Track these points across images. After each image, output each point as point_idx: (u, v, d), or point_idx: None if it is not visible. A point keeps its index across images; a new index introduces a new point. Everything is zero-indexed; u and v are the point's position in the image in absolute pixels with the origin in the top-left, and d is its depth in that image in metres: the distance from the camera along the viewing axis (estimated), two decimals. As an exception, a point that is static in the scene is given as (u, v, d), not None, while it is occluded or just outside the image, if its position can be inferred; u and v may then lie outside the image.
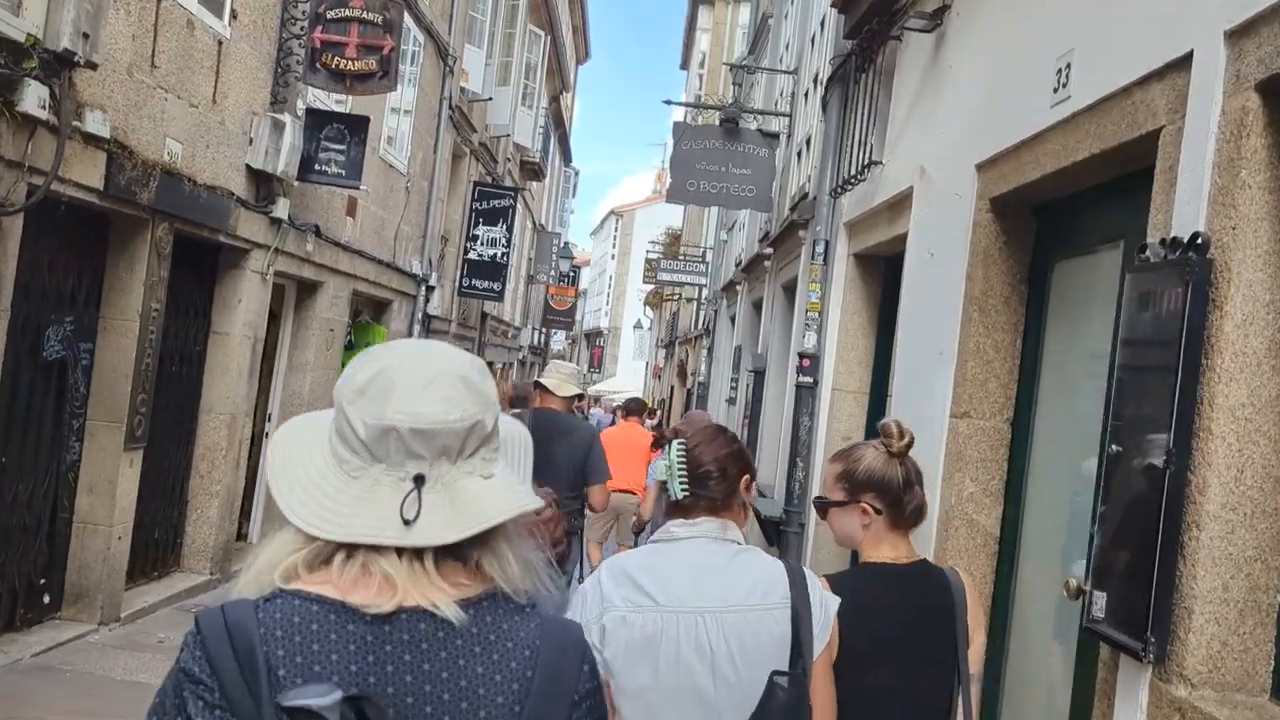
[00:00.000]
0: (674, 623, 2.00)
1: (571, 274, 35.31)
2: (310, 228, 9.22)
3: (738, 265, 14.33)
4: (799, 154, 9.82)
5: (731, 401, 13.10)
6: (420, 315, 13.37)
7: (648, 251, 28.89)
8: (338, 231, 10.08)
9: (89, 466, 6.66)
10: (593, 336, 64.13)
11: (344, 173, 8.75)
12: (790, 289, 9.67)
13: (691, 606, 2.01)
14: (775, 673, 1.97)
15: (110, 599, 6.78)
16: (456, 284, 15.93)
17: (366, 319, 12.20)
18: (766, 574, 2.08)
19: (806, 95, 9.84)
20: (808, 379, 7.16)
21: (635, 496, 8.38)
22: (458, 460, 1.21)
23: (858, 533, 2.42)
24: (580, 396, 7.69)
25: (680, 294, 25.44)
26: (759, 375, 10.17)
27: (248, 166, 7.96)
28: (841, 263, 6.94)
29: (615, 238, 62.11)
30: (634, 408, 10.52)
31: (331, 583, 1.16)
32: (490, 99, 15.85)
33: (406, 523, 1.16)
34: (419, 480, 1.18)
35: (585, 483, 5.63)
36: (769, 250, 10.42)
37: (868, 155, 6.13)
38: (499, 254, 16.03)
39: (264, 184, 8.27)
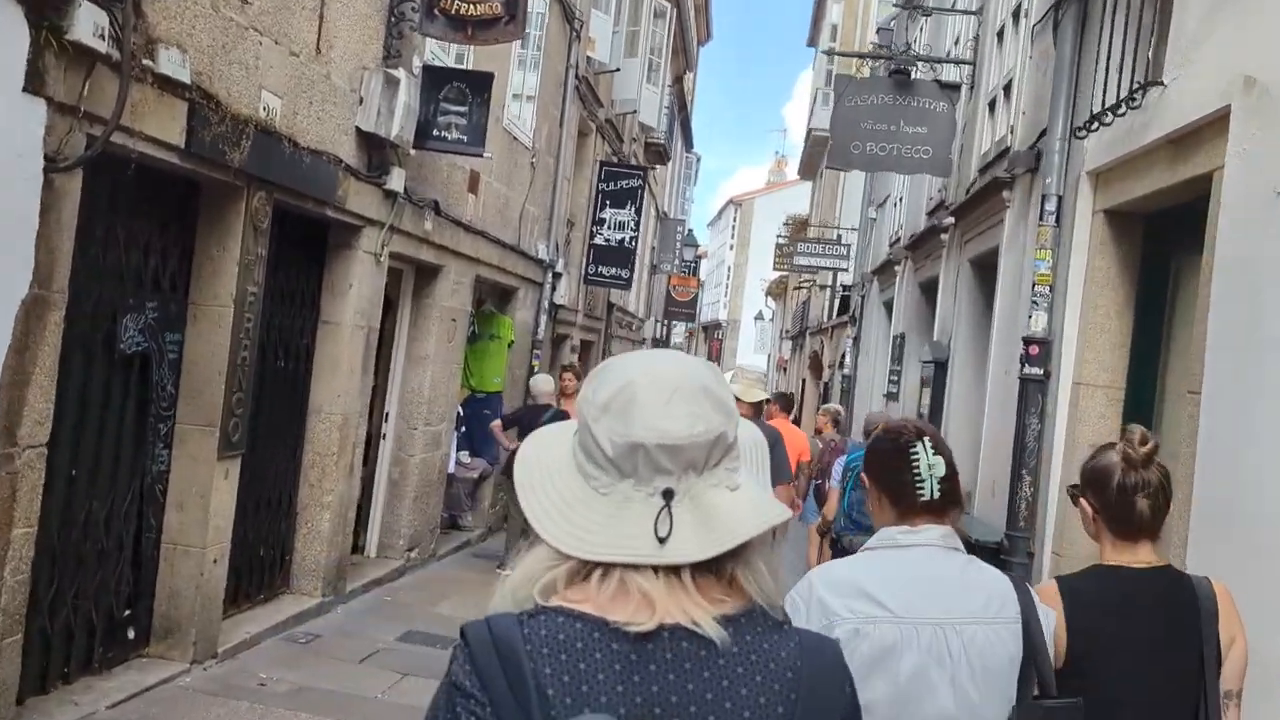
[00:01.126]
0: (913, 634, 1.94)
1: (694, 264, 34.03)
2: (429, 204, 8.17)
3: (894, 244, 12.84)
4: (990, 105, 8.33)
5: (891, 397, 11.63)
6: (547, 305, 12.29)
7: (778, 236, 27.39)
8: (459, 210, 9.02)
9: (178, 478, 5.69)
10: (711, 329, 62.79)
11: (465, 138, 7.65)
12: (983, 264, 8.20)
13: (931, 618, 1.95)
14: (1033, 703, 1.97)
15: (205, 632, 5.80)
16: (583, 271, 14.84)
17: (490, 308, 11.16)
18: (998, 587, 2.03)
19: (1000, 35, 8.34)
20: (1036, 370, 5.73)
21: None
22: (703, 472, 1.17)
23: (1090, 531, 2.38)
24: (768, 401, 7.07)
25: (814, 281, 23.91)
26: (939, 367, 8.72)
27: (358, 129, 6.91)
28: (1083, 223, 5.49)
29: (734, 227, 60.63)
30: (785, 405, 9.27)
31: (590, 599, 1.13)
32: (618, 70, 14.68)
33: (660, 540, 1.13)
34: (668, 495, 1.16)
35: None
36: (948, 221, 8.96)
37: (1133, 79, 4.69)
38: (627, 238, 14.86)
39: (376, 151, 7.23)
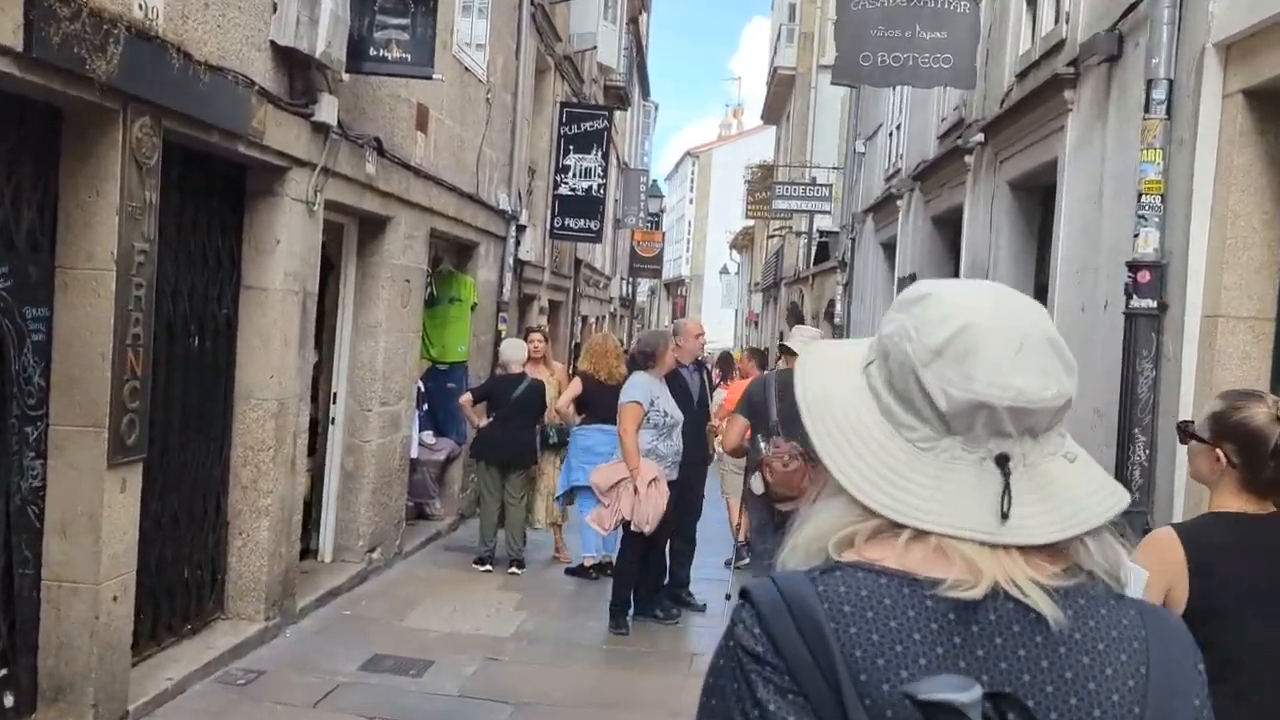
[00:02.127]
0: None
1: (656, 218, 32.69)
2: (370, 142, 6.81)
3: (891, 177, 11.62)
4: (1028, -4, 7.09)
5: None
6: (511, 262, 10.95)
7: (746, 181, 26.10)
8: (406, 150, 7.67)
9: (58, 496, 4.37)
10: (674, 286, 61.54)
11: (409, 57, 6.30)
12: (1029, 184, 7.01)
13: None
14: None
15: (108, 688, 4.51)
16: (548, 225, 13.50)
17: (449, 267, 9.83)
18: None
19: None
20: (1147, 303, 4.55)
21: None
22: (1039, 437, 1.02)
23: (1209, 476, 2.32)
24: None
25: (789, 229, 22.69)
26: (975, 308, 7.54)
27: (273, 44, 5.55)
28: (1211, 110, 4.28)
29: (693, 180, 59.23)
30: (760, 362, 8.62)
31: (894, 556, 0.99)
32: (576, -2, 13.26)
33: (1002, 515, 0.99)
34: (1002, 461, 1.00)
35: None
36: (975, 140, 7.74)
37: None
38: (594, 186, 13.54)
39: (299, 73, 5.86)
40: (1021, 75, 6.99)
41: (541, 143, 13.36)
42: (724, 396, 9.68)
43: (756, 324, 33.26)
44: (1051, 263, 6.14)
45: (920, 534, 0.99)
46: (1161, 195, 4.51)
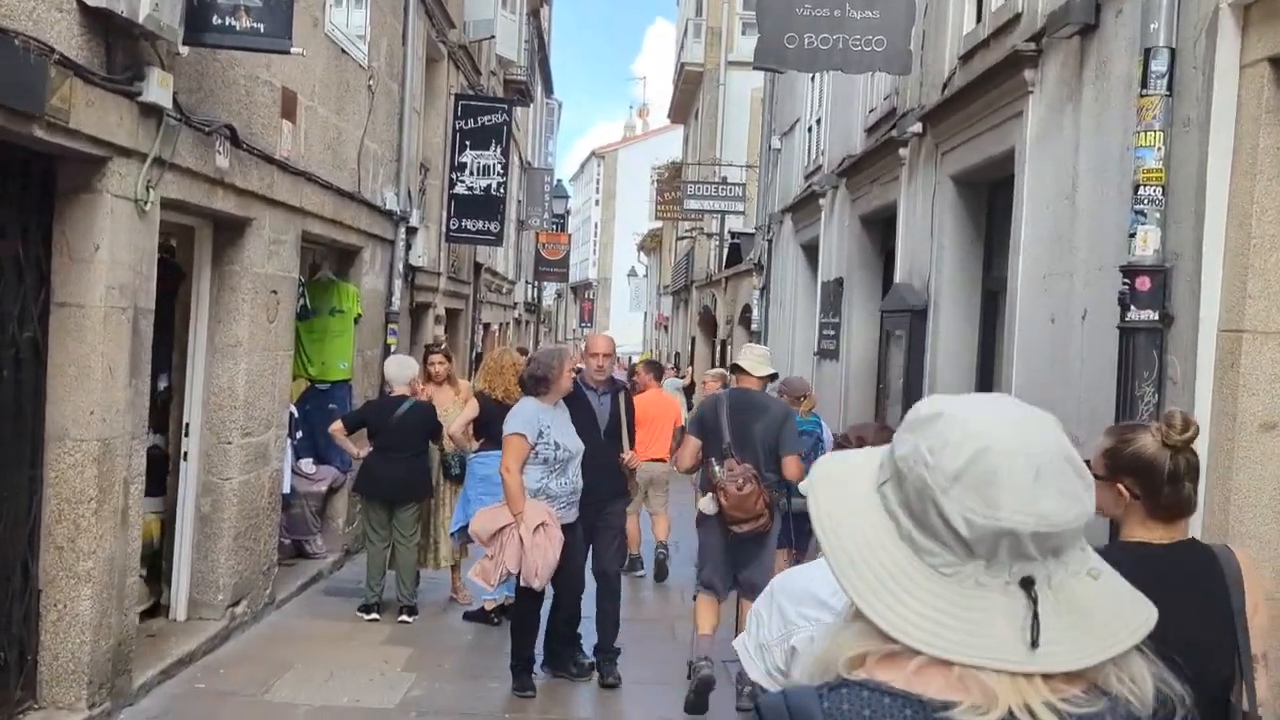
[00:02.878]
0: None
1: (562, 219, 31.75)
2: (220, 130, 5.76)
3: (812, 174, 10.91)
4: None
5: (828, 356, 9.76)
6: (401, 267, 9.92)
7: (654, 181, 25.34)
8: (269, 141, 6.62)
9: None
10: (580, 289, 60.63)
11: (262, 27, 5.27)
12: (976, 179, 6.30)
13: None
14: None
15: None
16: (443, 226, 12.48)
17: (328, 275, 8.77)
18: None
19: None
20: (1147, 315, 3.81)
21: (664, 464, 8.20)
22: (1062, 556, 1.02)
23: (1114, 510, 2.36)
24: (774, 376, 6.56)
25: (699, 229, 21.97)
26: (915, 317, 6.80)
27: (80, 3, 4.48)
28: (1226, 84, 3.55)
29: (598, 181, 58.41)
30: (654, 373, 8.38)
31: (903, 677, 0.99)
32: (470, -20, 12.27)
33: (1031, 644, 0.98)
34: (1028, 584, 0.99)
35: (781, 450, 5.63)
36: (912, 131, 7.02)
37: None
38: (493, 185, 12.56)
39: (121, 43, 4.80)
40: (966, 57, 6.28)
41: (435, 138, 12.33)
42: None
43: (666, 328, 32.54)
44: (1009, 267, 5.41)
45: (939, 661, 0.98)
46: (1162, 186, 3.78)
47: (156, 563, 6.58)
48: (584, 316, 58.52)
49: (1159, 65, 3.78)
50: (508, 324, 22.33)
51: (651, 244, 37.95)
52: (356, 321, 8.83)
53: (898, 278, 7.45)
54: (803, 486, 1.14)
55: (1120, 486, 2.30)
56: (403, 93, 9.81)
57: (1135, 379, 3.81)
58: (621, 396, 6.29)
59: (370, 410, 7.49)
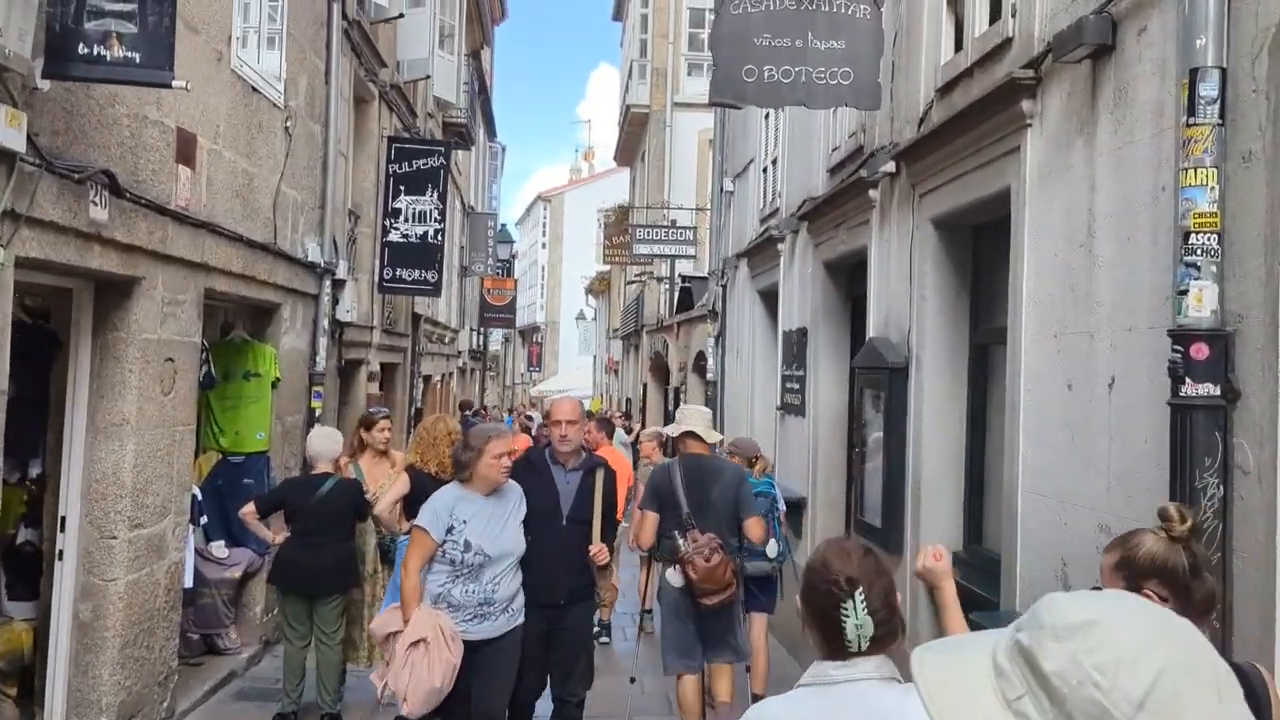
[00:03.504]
0: None
1: (508, 264, 30.99)
2: (95, 177, 4.94)
3: (768, 217, 10.28)
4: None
5: (793, 411, 9.06)
6: (326, 324, 9.07)
7: (603, 222, 24.70)
8: (161, 189, 5.79)
9: None
10: (529, 333, 59.80)
11: (138, 57, 4.49)
12: (960, 223, 5.67)
13: None
14: None
15: None
16: (376, 276, 11.65)
17: (241, 335, 7.90)
18: None
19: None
20: (1206, 389, 3.14)
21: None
22: None
23: None
24: (721, 442, 6.88)
25: (649, 273, 21.30)
26: (893, 376, 6.12)
27: (-106, 25, 3.67)
28: (1301, 108, 2.91)
29: (545, 224, 57.83)
30: (605, 429, 7.85)
31: None
32: (401, 16, 11.54)
33: None
34: None
35: (740, 514, 5.50)
36: (884, 171, 6.38)
37: None
38: (430, 232, 11.77)
39: (-46, 73, 3.99)
40: (946, 89, 5.66)
41: (366, 182, 11.54)
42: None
43: (617, 372, 31.78)
44: (1009, 320, 4.74)
45: None
46: (1218, 233, 3.12)
47: (28, 680, 5.65)
48: (532, 360, 57.66)
49: (1208, 89, 3.14)
50: (451, 374, 21.42)
51: (600, 287, 37.28)
52: (275, 385, 7.97)
53: (871, 330, 6.77)
54: (927, 704, 1.04)
55: (1147, 592, 2.22)
56: (326, 134, 9.02)
57: (1193, 467, 3.13)
58: (599, 475, 5.23)
59: (288, 489, 6.62)
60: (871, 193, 6.74)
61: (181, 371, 6.21)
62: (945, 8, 5.87)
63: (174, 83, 4.59)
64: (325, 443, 6.61)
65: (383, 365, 12.83)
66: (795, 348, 8.97)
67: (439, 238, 11.81)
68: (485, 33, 23.93)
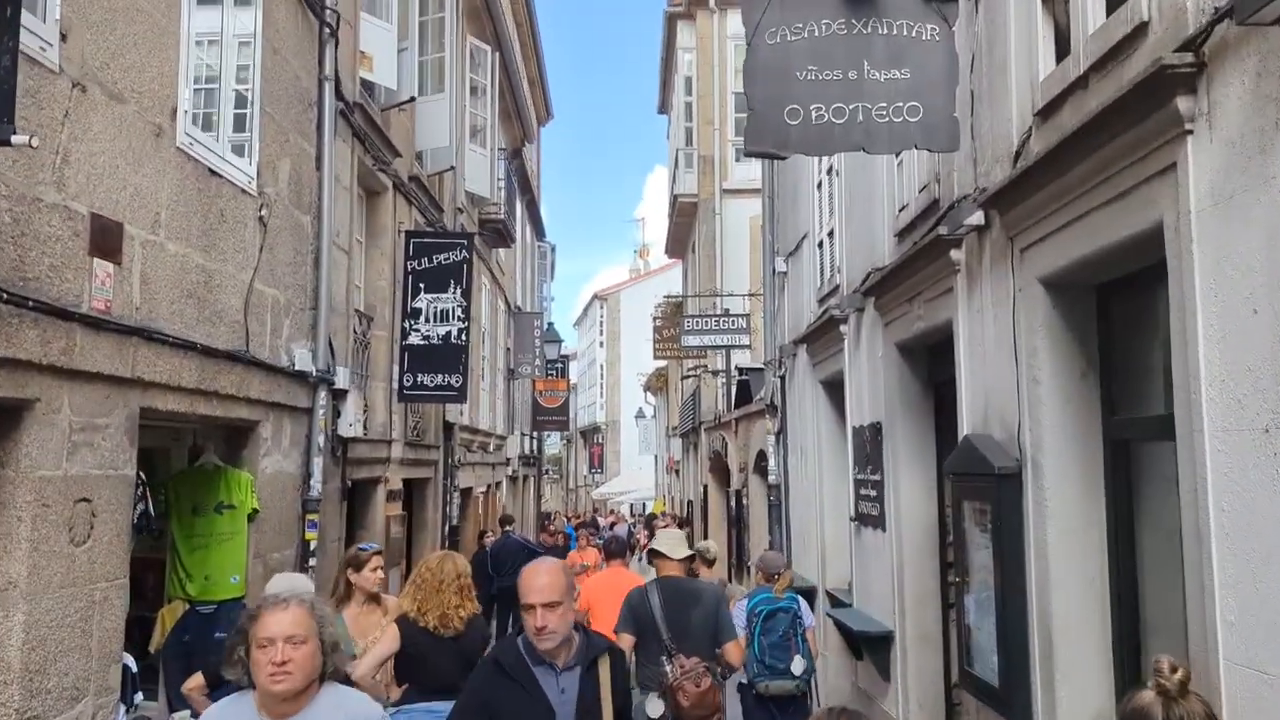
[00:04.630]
0: None
1: (560, 364, 29.95)
2: (-49, 273, 3.80)
3: (826, 297, 8.97)
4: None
5: (869, 523, 7.60)
6: (322, 442, 7.87)
7: (654, 318, 23.59)
8: (64, 288, 4.67)
9: None
10: (589, 434, 58.70)
11: (-30, 108, 3.38)
12: (1068, 284, 4.30)
13: None
14: None
15: None
16: (395, 383, 10.53)
17: (212, 461, 6.72)
18: None
19: None
20: None
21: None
22: None
23: None
24: (693, 557, 6.51)
25: (704, 367, 20.02)
26: (1003, 484, 4.67)
27: None
28: None
29: (602, 323, 57.15)
30: (615, 549, 7.78)
31: None
32: (412, 100, 10.60)
33: None
34: None
35: (719, 643, 5.47)
36: (970, 223, 5.06)
37: None
38: (453, 332, 10.66)
39: None
40: (1048, 110, 4.35)
41: (380, 281, 10.51)
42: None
43: (678, 472, 30.28)
44: (1177, 405, 3.33)
45: None
46: None
47: None
48: (594, 462, 56.40)
49: None
50: (497, 484, 20.16)
51: (658, 384, 36.07)
52: (252, 518, 6.75)
53: (965, 426, 5.35)
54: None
55: None
56: (319, 226, 7.97)
57: None
58: (603, 667, 3.55)
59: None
60: (954, 254, 5.40)
61: (102, 514, 5.00)
62: (1041, 9, 4.59)
63: (14, 138, 3.45)
64: (288, 585, 5.32)
65: (409, 481, 11.62)
66: (868, 447, 7.55)
67: (463, 338, 10.68)
68: (526, 130, 23.28)
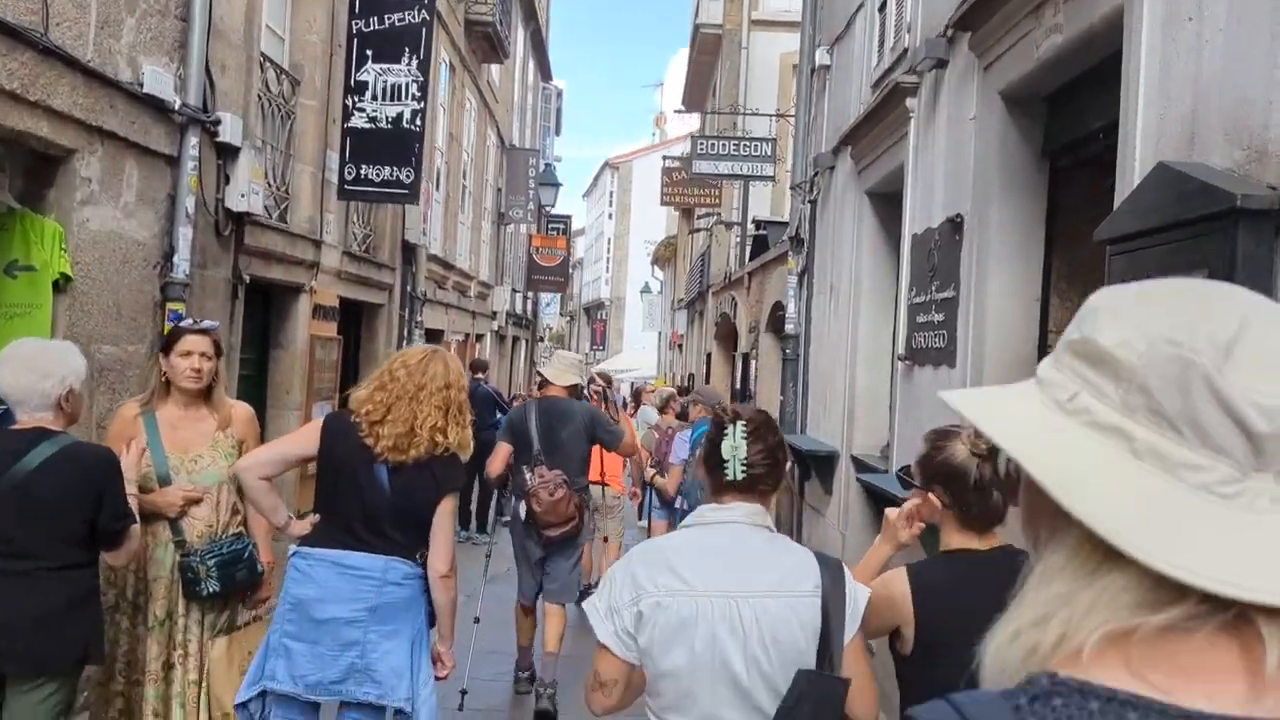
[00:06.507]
0: (708, 606, 2.06)
1: (561, 224, 27.71)
2: None
3: (891, 68, 6.74)
4: None
5: (928, 360, 5.55)
6: (193, 204, 5.76)
7: (665, 157, 21.27)
8: None
9: None
10: (593, 310, 56.71)
11: None
12: None
13: (725, 590, 2.07)
14: (800, 671, 2.01)
15: None
16: (336, 176, 8.43)
17: (3, 201, 4.65)
18: (799, 562, 2.15)
19: None
20: None
21: (612, 489, 7.79)
22: None
23: (932, 518, 2.40)
24: (578, 386, 6.30)
25: (718, 215, 17.81)
26: (1245, 228, 2.57)
27: None
28: None
29: (612, 194, 54.52)
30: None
31: (1133, 665, 0.68)
32: None
33: None
34: None
35: (605, 446, 6.21)
36: None
37: None
38: (406, 114, 8.48)
39: None
40: None
41: (311, 35, 8.29)
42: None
43: (681, 347, 28.31)
44: None
45: (1232, 636, 0.67)
46: None
47: None
48: (596, 339, 54.54)
49: None
50: (480, 336, 18.15)
51: (666, 254, 33.86)
52: (60, 287, 4.74)
53: (1144, 159, 3.22)
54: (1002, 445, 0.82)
55: (934, 495, 2.33)
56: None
57: None
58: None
59: None
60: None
61: None
62: None
63: None
64: (31, 370, 3.32)
65: (351, 303, 9.60)
66: (937, 255, 5.45)
67: (417, 121, 8.50)
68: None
